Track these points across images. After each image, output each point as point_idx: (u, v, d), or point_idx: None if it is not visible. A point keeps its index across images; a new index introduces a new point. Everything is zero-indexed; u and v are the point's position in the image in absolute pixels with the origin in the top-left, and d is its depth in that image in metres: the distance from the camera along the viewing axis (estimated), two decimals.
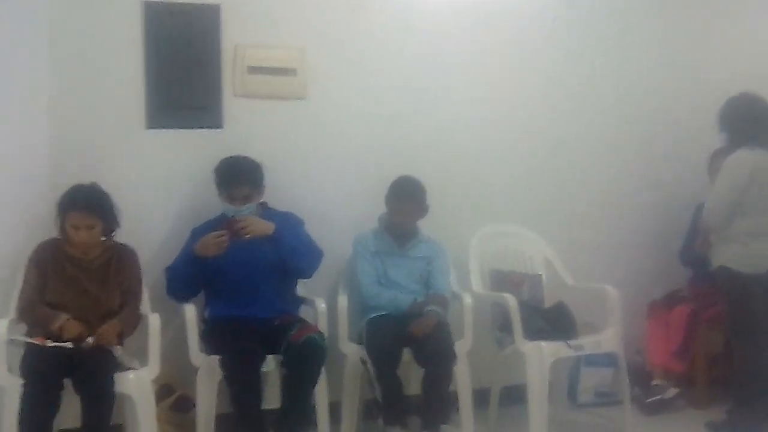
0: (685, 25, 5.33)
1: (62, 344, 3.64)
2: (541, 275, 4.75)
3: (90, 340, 3.68)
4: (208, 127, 4.44)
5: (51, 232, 3.94)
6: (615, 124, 5.21)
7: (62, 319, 3.70)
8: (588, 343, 4.40)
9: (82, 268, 3.90)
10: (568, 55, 5.09)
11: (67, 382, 3.56)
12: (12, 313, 3.85)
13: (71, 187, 3.90)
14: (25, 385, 3.51)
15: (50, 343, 3.63)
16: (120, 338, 3.80)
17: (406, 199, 4.36)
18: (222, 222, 4.11)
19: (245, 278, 4.13)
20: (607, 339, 4.42)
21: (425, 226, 4.46)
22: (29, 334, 3.76)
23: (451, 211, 4.69)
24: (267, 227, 4.11)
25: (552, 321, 4.44)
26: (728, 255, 4.41)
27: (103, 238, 3.96)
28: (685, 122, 5.27)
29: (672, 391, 4.87)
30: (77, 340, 3.66)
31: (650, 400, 4.85)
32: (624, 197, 5.25)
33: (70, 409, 3.60)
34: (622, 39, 5.21)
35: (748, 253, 4.36)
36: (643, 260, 5.24)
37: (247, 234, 4.05)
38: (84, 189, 3.90)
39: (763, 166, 4.31)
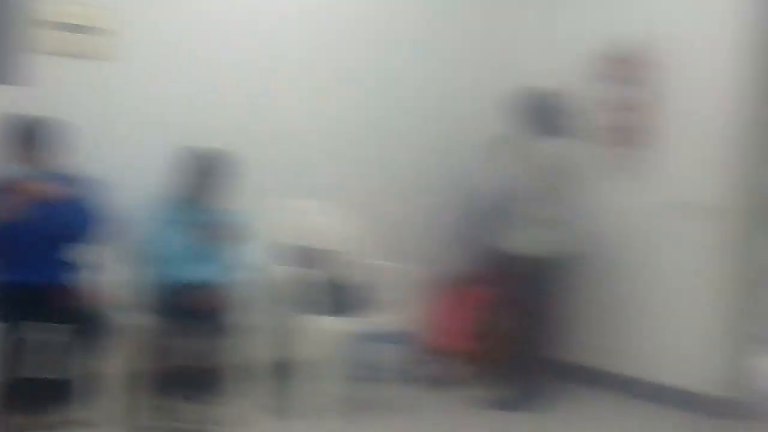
0: (470, 23, 5.63)
1: None
2: (339, 252, 4.85)
3: None
4: None
5: None
6: (402, 110, 5.45)
7: None
8: (377, 320, 4.53)
9: None
10: (366, 45, 5.28)
11: None
12: None
13: None
14: None
15: None
16: None
17: (209, 173, 4.35)
18: (9, 184, 3.96)
19: (30, 243, 3.99)
20: (397, 316, 4.56)
21: (229, 199, 4.45)
22: None
23: (255, 186, 4.64)
24: (57, 191, 3.98)
25: (346, 297, 4.57)
26: (510, 239, 4.66)
27: None
28: (465, 112, 5.53)
29: (459, 369, 5.10)
30: None
31: (437, 376, 5.07)
32: (418, 183, 5.44)
33: None
34: (415, 36, 5.46)
35: (527, 238, 4.62)
36: (436, 242, 5.41)
37: (35, 197, 3.91)
38: None
39: (554, 156, 4.54)
